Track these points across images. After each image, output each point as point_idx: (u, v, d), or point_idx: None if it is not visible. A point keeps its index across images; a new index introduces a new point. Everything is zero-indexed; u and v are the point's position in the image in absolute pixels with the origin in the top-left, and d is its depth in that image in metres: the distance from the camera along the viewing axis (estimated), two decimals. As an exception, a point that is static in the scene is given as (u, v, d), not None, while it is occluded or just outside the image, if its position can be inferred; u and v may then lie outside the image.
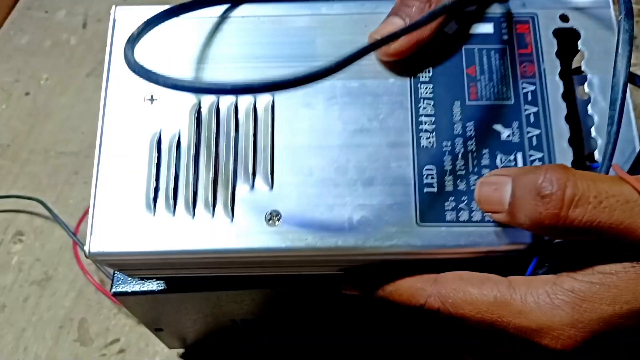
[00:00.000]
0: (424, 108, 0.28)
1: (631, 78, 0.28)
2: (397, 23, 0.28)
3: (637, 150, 0.27)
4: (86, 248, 0.26)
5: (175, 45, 0.30)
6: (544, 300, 0.24)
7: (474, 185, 0.27)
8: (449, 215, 0.27)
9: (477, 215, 0.27)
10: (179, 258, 0.27)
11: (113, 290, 0.31)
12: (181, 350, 0.43)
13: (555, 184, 0.23)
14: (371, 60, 0.29)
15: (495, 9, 0.30)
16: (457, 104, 0.28)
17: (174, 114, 0.28)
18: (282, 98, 0.28)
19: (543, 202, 0.23)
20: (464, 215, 0.27)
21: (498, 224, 0.26)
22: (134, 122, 0.28)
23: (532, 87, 0.29)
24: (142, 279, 0.31)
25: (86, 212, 0.47)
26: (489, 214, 0.26)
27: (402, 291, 0.27)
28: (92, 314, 0.45)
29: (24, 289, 0.46)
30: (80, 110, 0.57)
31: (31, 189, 0.51)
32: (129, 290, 0.31)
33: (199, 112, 0.28)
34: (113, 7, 0.30)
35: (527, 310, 0.24)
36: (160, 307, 0.34)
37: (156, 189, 0.27)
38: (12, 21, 0.64)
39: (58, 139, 0.55)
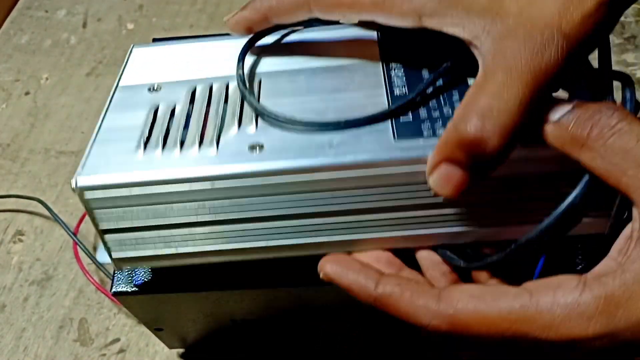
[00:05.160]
0: (395, 71, 0.31)
1: None
2: None
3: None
4: (73, 181, 0.27)
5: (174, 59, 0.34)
6: (574, 311, 0.22)
7: (448, 114, 0.28)
8: (426, 131, 0.27)
9: None
10: (164, 191, 0.27)
11: (113, 290, 0.31)
12: (181, 350, 0.43)
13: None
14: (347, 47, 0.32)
15: None
16: (425, 68, 0.31)
17: (173, 95, 0.31)
18: (267, 77, 0.31)
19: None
20: (440, 131, 0.27)
21: None
22: (138, 98, 0.31)
23: None
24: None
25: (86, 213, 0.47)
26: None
27: (400, 306, 0.25)
28: (92, 314, 0.45)
29: (24, 289, 0.46)
30: (80, 109, 0.57)
31: (31, 188, 0.51)
32: (129, 290, 0.31)
33: (193, 91, 0.31)
34: (132, 45, 0.35)
35: (556, 324, 0.22)
36: (160, 307, 0.34)
37: (150, 132, 0.29)
38: (12, 21, 0.64)
39: (58, 139, 0.55)
